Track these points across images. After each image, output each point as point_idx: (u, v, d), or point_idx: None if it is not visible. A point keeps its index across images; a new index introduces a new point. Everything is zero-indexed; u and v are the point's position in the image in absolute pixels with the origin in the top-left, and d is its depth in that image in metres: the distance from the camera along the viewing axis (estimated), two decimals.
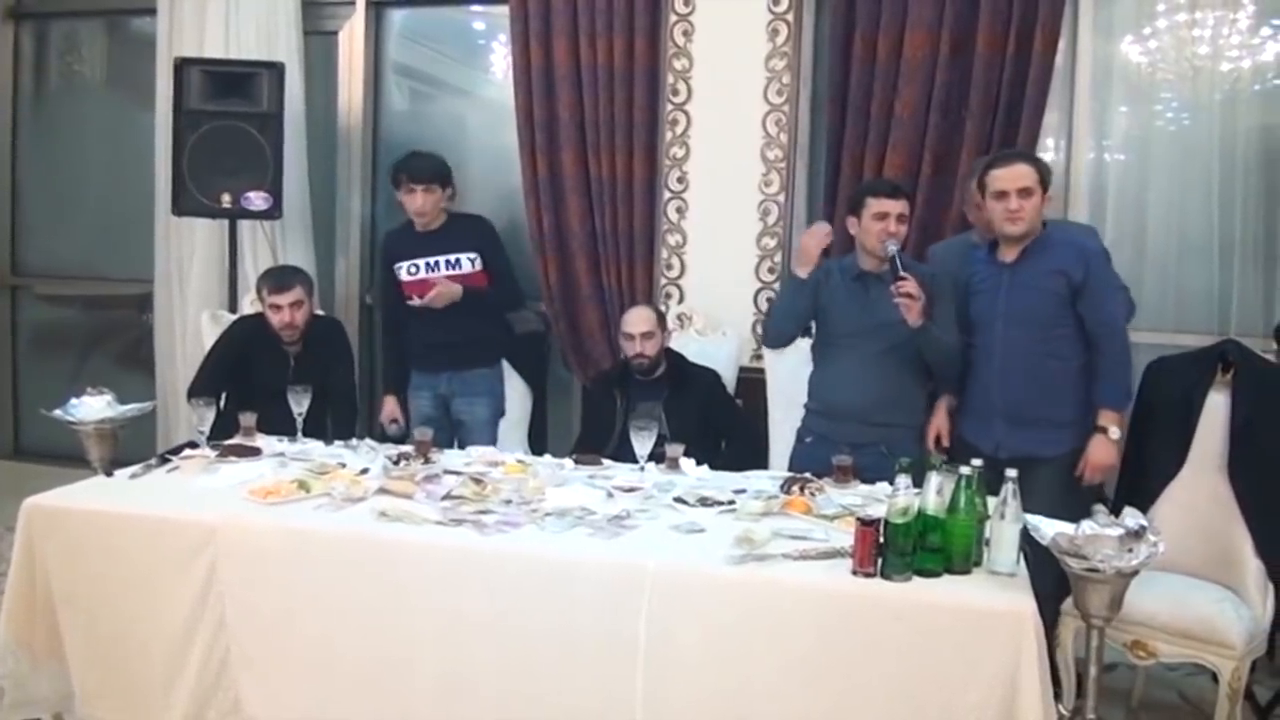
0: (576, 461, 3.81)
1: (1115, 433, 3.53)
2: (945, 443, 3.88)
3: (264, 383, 4.30)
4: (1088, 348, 3.60)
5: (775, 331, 4.15)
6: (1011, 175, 3.62)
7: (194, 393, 4.21)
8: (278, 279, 4.47)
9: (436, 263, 4.64)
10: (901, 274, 3.73)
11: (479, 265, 4.68)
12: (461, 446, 4.26)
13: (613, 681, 2.80)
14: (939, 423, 3.92)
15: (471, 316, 4.64)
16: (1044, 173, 3.67)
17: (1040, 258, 3.60)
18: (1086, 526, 2.60)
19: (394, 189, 4.70)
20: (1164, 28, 4.82)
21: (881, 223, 3.85)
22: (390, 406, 4.75)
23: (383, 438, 4.63)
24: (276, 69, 5.30)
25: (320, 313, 4.77)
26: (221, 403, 4.20)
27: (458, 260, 4.64)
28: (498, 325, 4.85)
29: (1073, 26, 4.78)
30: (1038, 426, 3.61)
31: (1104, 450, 3.57)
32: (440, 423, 4.64)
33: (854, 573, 2.74)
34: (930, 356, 3.88)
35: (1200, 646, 3.45)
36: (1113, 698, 3.79)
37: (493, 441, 4.65)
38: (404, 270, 4.68)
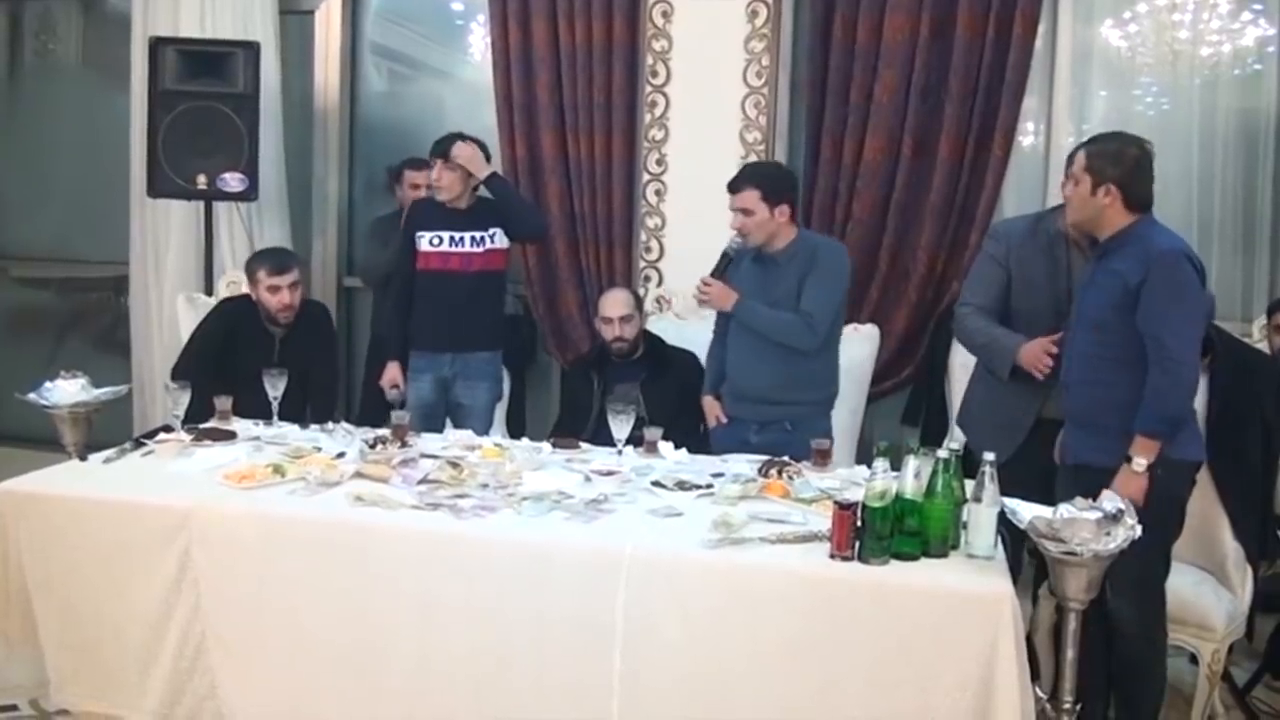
0: (554, 445, 3.79)
1: (1140, 463, 3.09)
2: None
3: (248, 366, 4.22)
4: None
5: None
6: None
7: (179, 374, 4.17)
8: (278, 260, 4.43)
9: (463, 238, 4.56)
10: (706, 280, 4.01)
11: (505, 242, 4.62)
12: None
13: (590, 666, 2.79)
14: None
15: (481, 296, 4.60)
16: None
17: (1112, 257, 3.22)
18: (1064, 510, 2.60)
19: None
20: (1144, 12, 4.83)
21: (734, 216, 3.99)
22: (393, 372, 4.63)
23: (379, 406, 4.57)
24: (252, 49, 5.25)
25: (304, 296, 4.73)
26: (203, 385, 4.16)
27: (482, 238, 4.56)
28: (500, 309, 4.80)
29: (1052, 10, 4.78)
30: (1094, 432, 3.26)
31: (1123, 482, 3.07)
32: (436, 410, 4.59)
33: (832, 556, 2.73)
34: (762, 332, 3.96)
35: (1180, 629, 3.47)
36: None
37: (490, 427, 4.63)
38: (425, 240, 4.57)
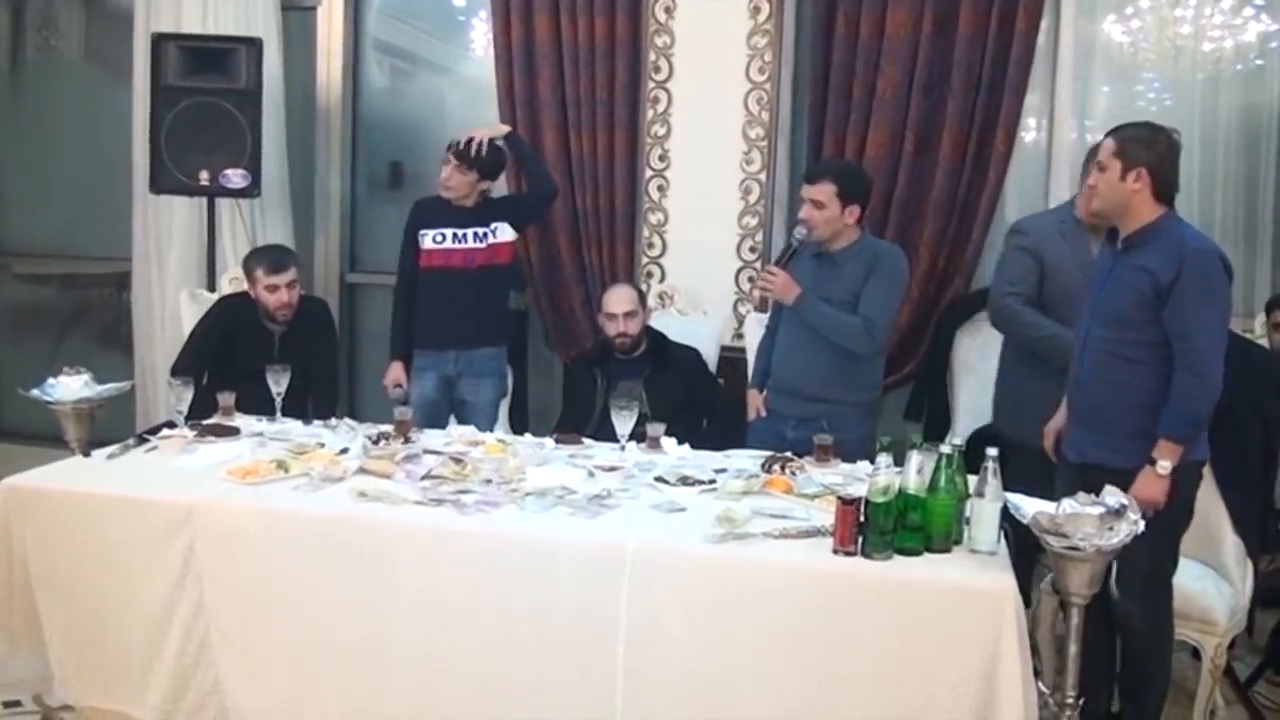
0: (557, 441, 3.79)
1: (1165, 466, 3.05)
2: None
3: (248, 362, 4.24)
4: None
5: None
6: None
7: (178, 371, 4.17)
8: (275, 259, 4.42)
9: (465, 234, 4.55)
10: (771, 269, 3.99)
11: (510, 234, 4.61)
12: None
13: (593, 661, 2.80)
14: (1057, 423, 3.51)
15: (484, 292, 4.60)
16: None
17: (1139, 252, 3.13)
18: (1067, 505, 2.60)
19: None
20: (1146, 7, 4.83)
21: (804, 206, 3.97)
22: (396, 371, 4.64)
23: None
24: (255, 45, 5.25)
25: (302, 292, 4.72)
26: (204, 382, 4.17)
27: (484, 233, 4.55)
28: (505, 304, 4.80)
29: (1055, 6, 4.78)
30: (1102, 431, 3.22)
31: (1146, 484, 3.05)
32: (440, 408, 4.58)
33: (835, 551, 2.73)
34: (821, 331, 3.94)
35: (1183, 623, 3.47)
36: None
37: (495, 423, 4.63)
38: (429, 238, 4.56)
